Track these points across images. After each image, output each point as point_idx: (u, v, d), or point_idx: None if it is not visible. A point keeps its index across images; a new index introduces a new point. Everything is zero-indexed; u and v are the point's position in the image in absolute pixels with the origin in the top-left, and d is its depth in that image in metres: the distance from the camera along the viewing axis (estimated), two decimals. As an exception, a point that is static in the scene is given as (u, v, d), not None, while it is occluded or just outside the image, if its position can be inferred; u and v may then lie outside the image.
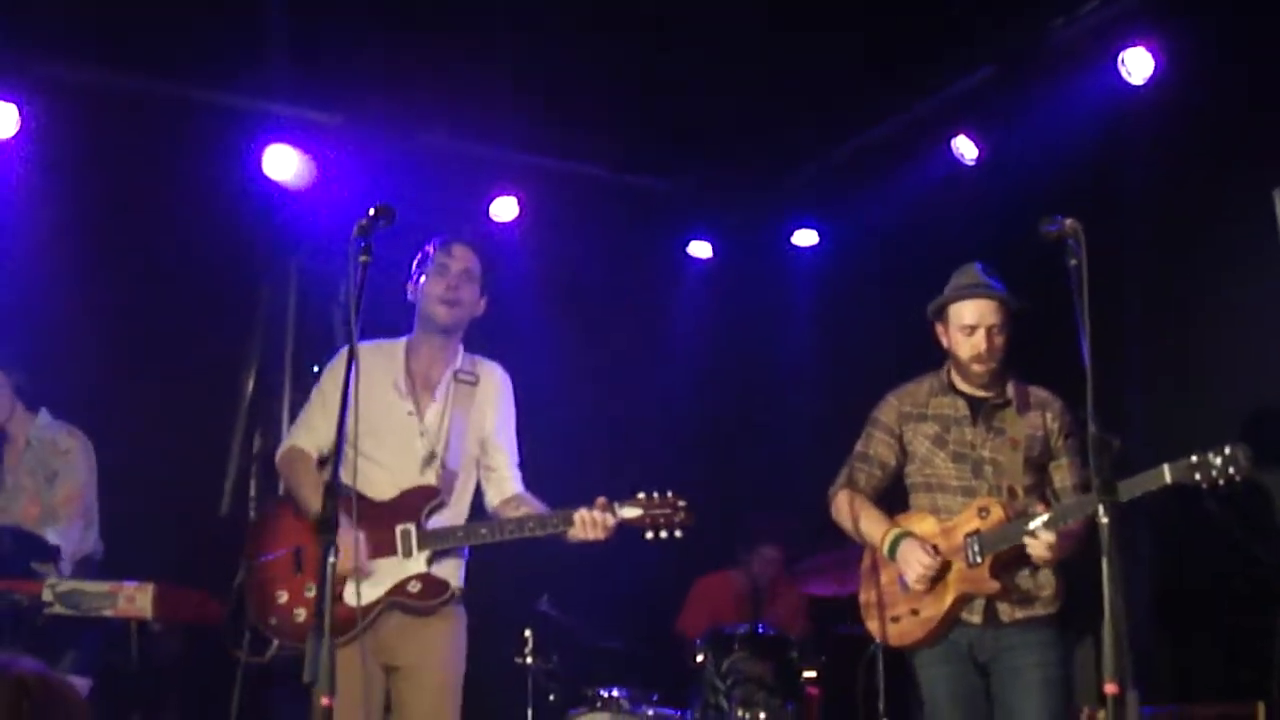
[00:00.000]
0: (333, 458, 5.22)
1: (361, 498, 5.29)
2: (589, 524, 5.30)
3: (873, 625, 5.98)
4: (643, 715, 7.26)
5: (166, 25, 7.73)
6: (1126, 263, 7.41)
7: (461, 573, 5.61)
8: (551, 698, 8.02)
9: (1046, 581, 5.63)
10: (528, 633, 8.03)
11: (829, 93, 8.58)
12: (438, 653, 5.51)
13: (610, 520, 5.33)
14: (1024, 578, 5.62)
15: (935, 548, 5.66)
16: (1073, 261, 4.64)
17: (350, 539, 5.13)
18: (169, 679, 6.31)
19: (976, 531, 5.58)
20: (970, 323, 5.71)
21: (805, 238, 10.18)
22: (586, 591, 8.52)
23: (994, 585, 5.53)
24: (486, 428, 5.71)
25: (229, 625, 5.48)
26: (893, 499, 6.05)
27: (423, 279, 5.66)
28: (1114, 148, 7.76)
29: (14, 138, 8.05)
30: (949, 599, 5.62)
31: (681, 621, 9.06)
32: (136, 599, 5.76)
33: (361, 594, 5.16)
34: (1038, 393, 5.84)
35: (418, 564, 5.39)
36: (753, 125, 9.04)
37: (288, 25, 7.75)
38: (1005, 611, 5.61)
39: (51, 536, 6.46)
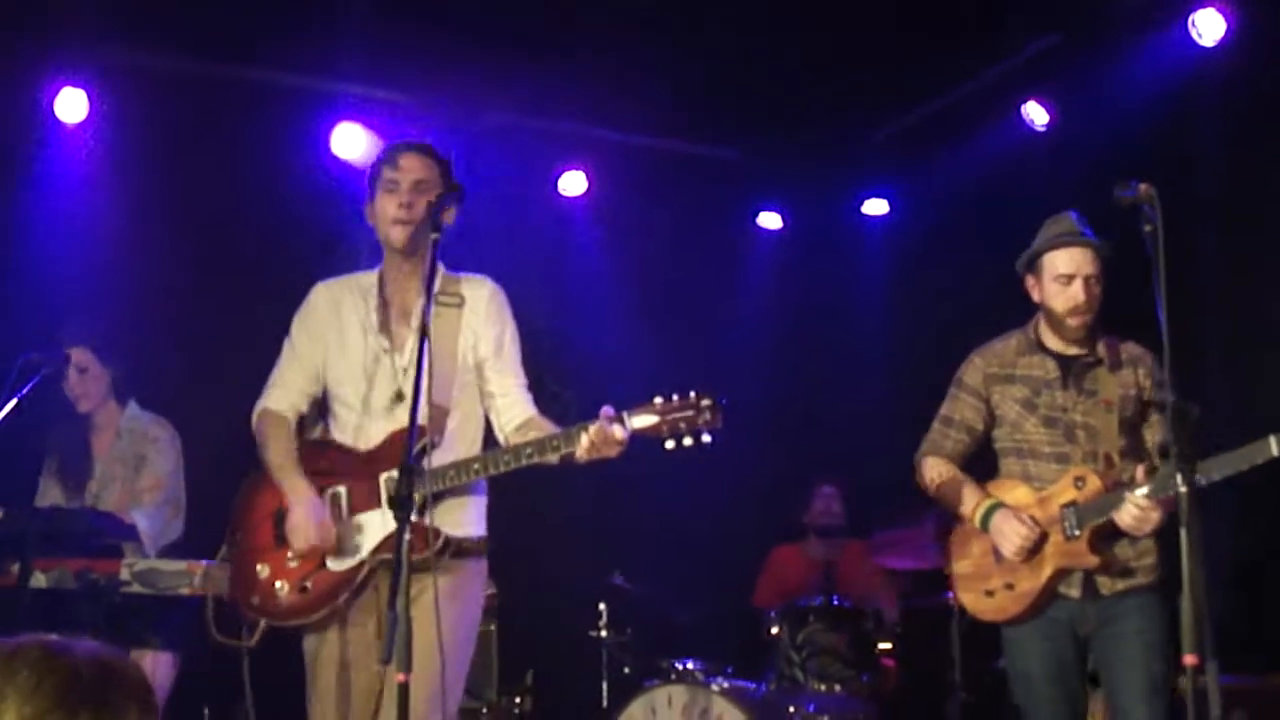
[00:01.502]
0: (317, 416, 5.06)
1: (342, 449, 4.94)
2: (596, 441, 4.55)
3: (966, 599, 5.69)
4: (718, 687, 7.26)
5: (234, 6, 7.76)
6: (1201, 227, 7.34)
7: (470, 518, 4.94)
8: (626, 670, 8.04)
9: (1147, 550, 5.39)
10: (602, 606, 8.05)
11: (898, 61, 8.53)
12: (432, 610, 4.49)
13: (620, 433, 4.55)
14: (1123, 548, 5.37)
15: (1032, 518, 5.41)
16: (1148, 227, 4.59)
17: (301, 518, 4.77)
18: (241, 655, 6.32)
19: (1073, 503, 5.33)
20: (1066, 271, 5.43)
21: (876, 207, 10.14)
22: (659, 565, 8.54)
23: (1093, 560, 5.29)
24: (481, 351, 5.02)
25: (215, 608, 5.08)
26: (980, 464, 5.81)
27: (375, 199, 5.01)
28: (1186, 110, 7.69)
29: (84, 123, 8.13)
30: (1046, 573, 5.37)
31: (758, 595, 9.06)
32: (213, 577, 5.77)
33: (344, 557, 4.78)
34: (1129, 348, 5.55)
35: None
36: (822, 95, 8.99)
37: (355, 4, 7.77)
38: (1105, 584, 5.37)
39: (140, 519, 6.52)
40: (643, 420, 4.59)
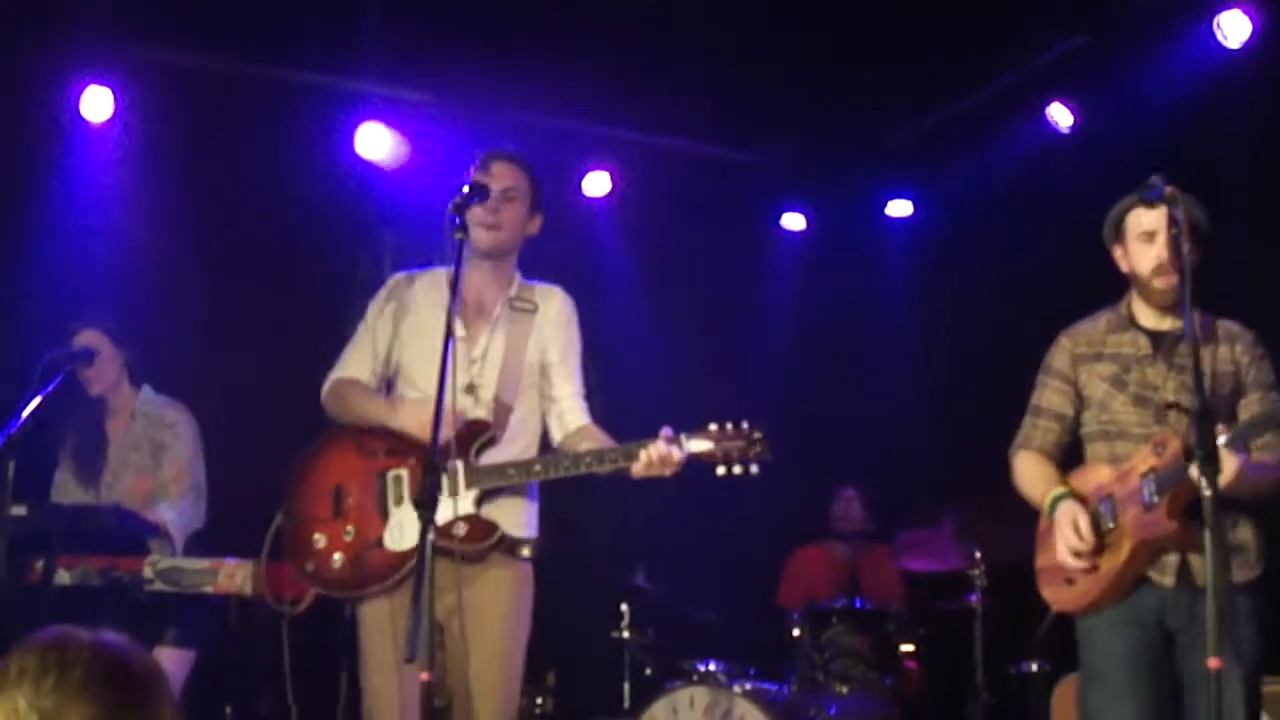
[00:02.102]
0: (387, 389, 5.21)
1: (405, 435, 5.01)
2: (654, 459, 4.78)
3: (1048, 592, 5.23)
4: (740, 688, 7.25)
5: (259, 6, 7.78)
6: (1227, 229, 7.31)
7: (525, 519, 5.11)
8: (648, 671, 8.04)
9: (1246, 537, 4.94)
10: (624, 606, 8.06)
11: (922, 62, 8.52)
12: (492, 611, 4.94)
13: (677, 454, 4.78)
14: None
15: (1110, 495, 4.94)
16: (1173, 230, 4.56)
17: (410, 410, 4.98)
18: (267, 653, 6.32)
19: (1152, 470, 4.86)
20: (1149, 228, 5.06)
21: (900, 208, 10.12)
22: (682, 565, 8.54)
23: (1171, 526, 4.72)
24: (549, 356, 5.24)
25: (239, 605, 5.28)
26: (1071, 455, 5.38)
27: None
28: (1211, 112, 7.66)
29: (109, 121, 8.16)
30: (1126, 549, 4.88)
31: (781, 595, 9.06)
32: (236, 575, 5.79)
33: (401, 538, 4.90)
34: (1226, 325, 5.13)
35: (465, 504, 4.88)
36: (846, 96, 8.99)
37: (379, 4, 7.79)
38: (1201, 570, 4.73)
39: (166, 512, 6.53)
40: (699, 445, 4.82)
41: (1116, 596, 4.97)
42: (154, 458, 6.76)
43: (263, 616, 5.96)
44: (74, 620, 2.71)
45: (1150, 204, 5.01)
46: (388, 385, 5.29)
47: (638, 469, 4.82)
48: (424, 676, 4.03)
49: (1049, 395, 5.36)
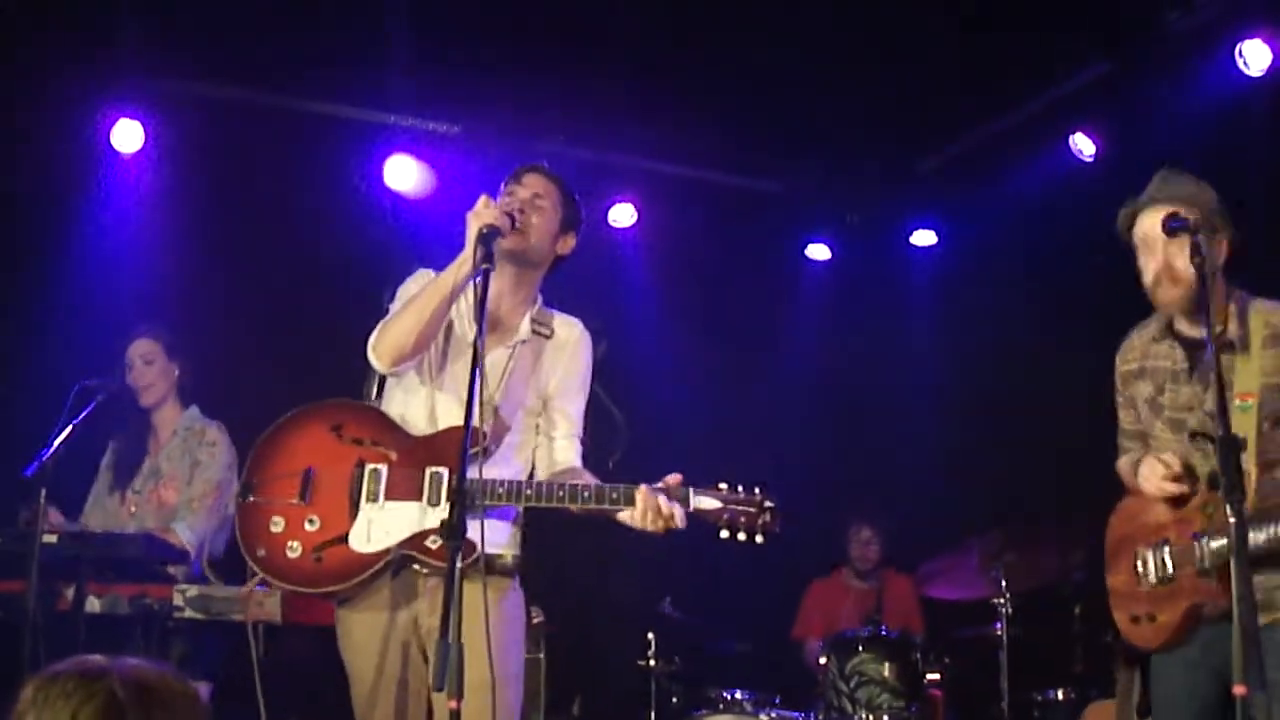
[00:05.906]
0: (377, 389, 4.99)
1: (393, 427, 4.78)
2: (650, 508, 4.51)
3: (1119, 618, 5.01)
4: (766, 717, 7.25)
5: (288, 40, 7.84)
6: (1250, 257, 7.32)
7: (505, 537, 4.80)
8: (674, 699, 8.04)
9: None
10: (650, 635, 8.04)
11: (945, 92, 8.54)
12: (477, 636, 4.17)
13: (678, 511, 4.52)
14: (1265, 579, 4.51)
15: (1167, 540, 4.78)
16: (1196, 259, 4.56)
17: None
18: (298, 681, 6.33)
19: (1203, 533, 4.67)
20: (1141, 236, 4.89)
21: (923, 238, 10.13)
22: (708, 595, 8.54)
23: (1225, 602, 4.31)
24: (551, 386, 4.97)
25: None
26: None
27: None
28: (1234, 141, 7.65)
29: (139, 153, 8.24)
30: (1181, 608, 4.74)
31: (797, 627, 9.07)
32: (265, 603, 5.78)
33: (368, 539, 4.60)
34: (1272, 317, 4.80)
35: (442, 515, 4.39)
36: (869, 127, 9.02)
37: (407, 38, 7.85)
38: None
39: (183, 532, 6.56)
40: (706, 502, 4.60)
41: (1174, 644, 4.82)
42: (189, 475, 6.79)
43: (290, 645, 6.01)
44: (103, 648, 2.71)
45: (1143, 209, 4.96)
46: (379, 382, 5.03)
47: (626, 517, 4.59)
48: (452, 705, 3.83)
49: (1122, 415, 5.17)
